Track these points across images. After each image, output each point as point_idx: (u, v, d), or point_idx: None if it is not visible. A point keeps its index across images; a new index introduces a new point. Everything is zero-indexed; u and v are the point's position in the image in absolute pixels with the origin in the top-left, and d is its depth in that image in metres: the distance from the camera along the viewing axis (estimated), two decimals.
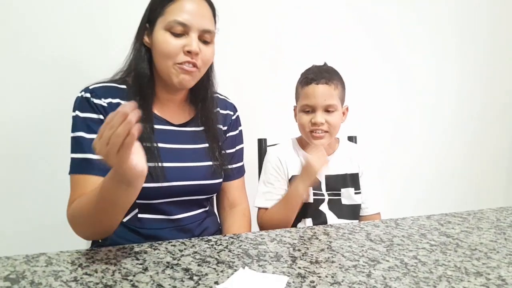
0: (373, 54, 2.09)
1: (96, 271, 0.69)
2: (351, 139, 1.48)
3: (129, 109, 0.63)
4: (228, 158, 1.11)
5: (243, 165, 1.19)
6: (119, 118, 0.63)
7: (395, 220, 1.04)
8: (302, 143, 1.31)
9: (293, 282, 0.67)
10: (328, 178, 1.25)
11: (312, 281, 0.67)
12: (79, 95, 0.95)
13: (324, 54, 1.90)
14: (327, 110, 1.20)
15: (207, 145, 1.05)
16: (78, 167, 0.91)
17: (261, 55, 1.80)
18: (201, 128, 1.06)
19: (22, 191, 1.44)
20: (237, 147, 1.16)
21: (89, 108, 0.93)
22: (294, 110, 1.31)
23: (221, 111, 1.12)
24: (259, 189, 1.27)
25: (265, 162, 1.30)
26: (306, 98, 1.21)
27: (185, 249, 0.80)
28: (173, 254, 0.77)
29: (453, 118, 2.39)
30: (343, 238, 0.90)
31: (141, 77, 0.97)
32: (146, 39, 0.98)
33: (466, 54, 2.37)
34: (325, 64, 1.28)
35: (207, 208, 1.09)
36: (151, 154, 0.93)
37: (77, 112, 0.93)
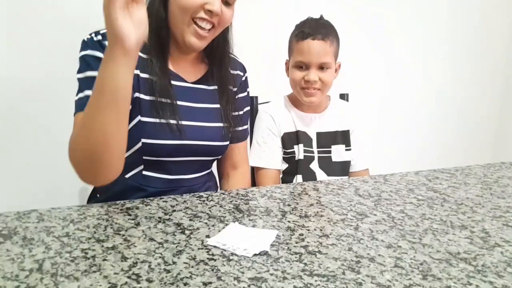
0: (366, 14, 2.06)
1: (88, 227, 0.70)
2: (343, 96, 1.47)
3: None
4: (237, 120, 1.09)
5: (248, 127, 1.18)
6: None
7: (384, 176, 1.05)
8: (293, 100, 1.30)
9: (283, 235, 0.68)
10: (319, 135, 1.26)
11: (301, 234, 0.69)
12: (88, 37, 0.91)
13: None
14: (321, 67, 1.18)
15: (218, 105, 1.03)
16: (83, 105, 0.82)
17: (253, 19, 1.77)
18: (214, 87, 1.03)
19: (14, 150, 1.43)
20: (245, 109, 1.14)
21: (101, 49, 0.88)
22: (286, 64, 1.28)
23: (232, 71, 1.09)
24: (254, 149, 1.27)
25: (257, 121, 1.29)
26: (300, 54, 1.18)
27: (176, 204, 0.81)
28: (164, 210, 0.78)
29: (445, 76, 2.39)
30: (332, 193, 0.91)
31: (160, 27, 0.93)
32: None
33: (458, 25, 2.35)
34: (321, 17, 1.24)
35: (209, 171, 1.10)
36: (171, 110, 0.92)
37: (88, 51, 0.89)
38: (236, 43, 1.03)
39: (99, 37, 0.90)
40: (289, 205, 0.83)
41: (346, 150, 1.29)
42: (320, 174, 1.25)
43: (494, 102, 2.60)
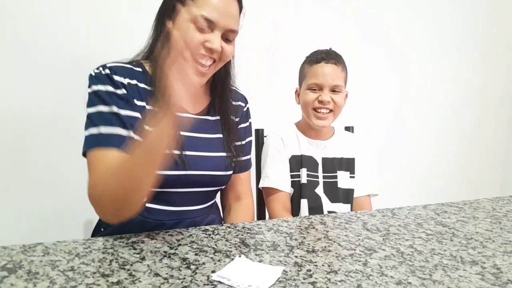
0: (370, 49, 2.10)
1: (93, 261, 0.69)
2: (348, 129, 1.48)
3: None
4: (239, 150, 1.09)
5: (250, 158, 1.17)
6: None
7: (392, 210, 1.04)
8: (301, 128, 1.34)
9: (290, 271, 0.67)
10: (325, 160, 1.29)
11: (309, 270, 0.67)
12: (96, 71, 0.91)
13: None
14: (333, 90, 1.24)
15: (221, 135, 1.04)
16: (99, 141, 0.86)
17: (258, 51, 1.80)
18: (216, 118, 1.04)
19: (20, 184, 1.44)
20: (247, 140, 1.14)
21: (111, 83, 0.89)
22: (296, 92, 1.34)
23: (233, 103, 1.10)
24: (264, 171, 1.28)
25: (267, 144, 1.32)
26: (314, 76, 1.25)
27: (182, 238, 0.80)
28: (170, 244, 0.77)
29: (450, 111, 2.40)
30: (339, 227, 0.90)
31: None
32: (167, 23, 0.93)
33: (463, 47, 2.38)
34: (330, 49, 1.31)
35: (213, 202, 1.09)
36: (174, 141, 0.92)
37: (99, 86, 0.88)
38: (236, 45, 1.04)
39: (107, 71, 0.91)
40: (296, 239, 0.82)
41: (350, 177, 1.31)
42: (324, 200, 1.26)
43: (501, 126, 2.59)
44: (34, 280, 0.62)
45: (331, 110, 1.25)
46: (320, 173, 1.28)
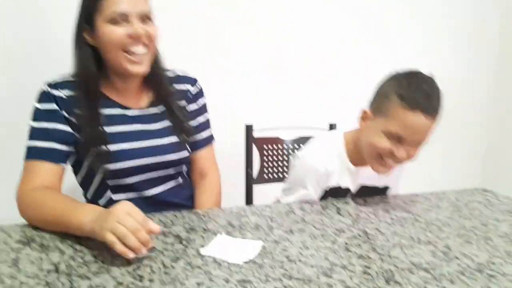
0: (369, 49, 2.16)
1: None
2: (331, 127, 1.55)
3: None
4: (191, 131, 1.15)
5: (210, 134, 1.22)
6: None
7: (364, 198, 1.15)
8: (350, 149, 1.12)
9: (269, 246, 0.78)
10: (360, 188, 1.17)
11: (285, 246, 0.78)
12: (43, 89, 1.00)
13: (319, 53, 1.97)
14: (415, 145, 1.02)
15: (169, 123, 1.10)
16: (35, 154, 0.96)
17: (257, 50, 1.87)
18: (162, 108, 1.11)
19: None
20: (198, 119, 1.18)
21: (48, 100, 0.98)
22: (365, 114, 1.07)
23: (177, 87, 1.15)
24: (295, 192, 1.13)
25: (308, 166, 1.12)
26: (402, 126, 0.98)
27: (176, 219, 0.91)
28: (165, 224, 0.88)
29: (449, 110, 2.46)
30: (316, 212, 1.01)
31: (88, 76, 1.01)
32: (88, 38, 1.00)
33: (458, 49, 2.46)
34: (431, 79, 1.02)
35: (180, 181, 1.15)
36: (99, 137, 1.00)
37: (43, 104, 0.99)
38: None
39: (47, 87, 0.99)
40: (276, 221, 0.93)
41: None
42: None
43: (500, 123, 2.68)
44: (46, 251, 0.73)
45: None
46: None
